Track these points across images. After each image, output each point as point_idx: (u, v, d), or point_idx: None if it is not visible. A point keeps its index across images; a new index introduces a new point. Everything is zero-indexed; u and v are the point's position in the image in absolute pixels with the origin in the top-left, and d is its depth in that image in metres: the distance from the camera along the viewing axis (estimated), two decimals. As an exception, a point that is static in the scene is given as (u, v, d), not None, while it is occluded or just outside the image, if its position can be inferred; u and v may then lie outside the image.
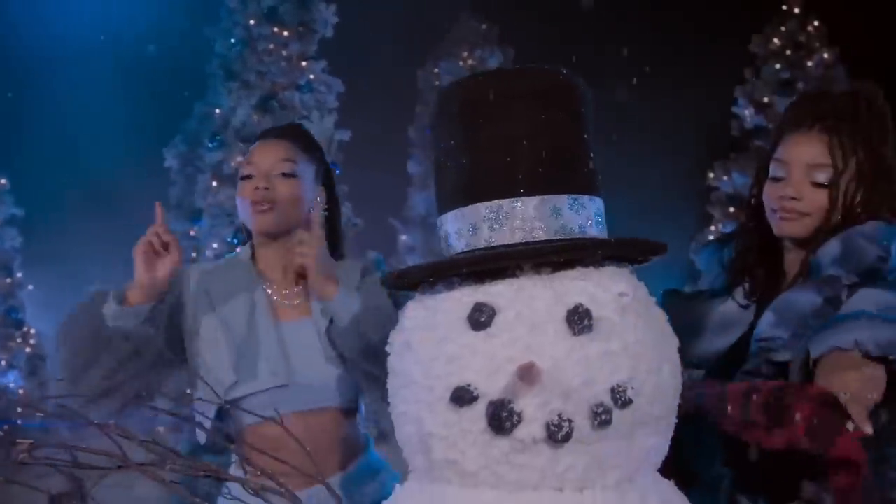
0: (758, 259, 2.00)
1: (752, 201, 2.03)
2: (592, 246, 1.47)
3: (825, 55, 10.79)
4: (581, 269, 1.44)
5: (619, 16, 10.37)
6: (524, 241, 1.44)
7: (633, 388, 1.39)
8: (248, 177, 2.13)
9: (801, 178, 1.89)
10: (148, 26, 9.23)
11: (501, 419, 1.36)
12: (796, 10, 10.92)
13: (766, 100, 10.68)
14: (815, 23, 10.86)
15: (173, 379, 2.12)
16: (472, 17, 11.04)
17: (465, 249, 1.48)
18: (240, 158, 7.17)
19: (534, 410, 1.36)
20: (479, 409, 1.38)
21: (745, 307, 1.97)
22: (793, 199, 1.89)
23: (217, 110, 7.34)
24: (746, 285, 1.99)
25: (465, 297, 1.43)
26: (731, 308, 1.98)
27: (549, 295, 1.41)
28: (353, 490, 2.10)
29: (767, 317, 1.85)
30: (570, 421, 1.36)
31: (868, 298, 1.71)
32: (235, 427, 2.16)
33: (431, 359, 1.43)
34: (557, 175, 1.47)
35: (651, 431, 1.44)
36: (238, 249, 2.32)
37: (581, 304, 1.40)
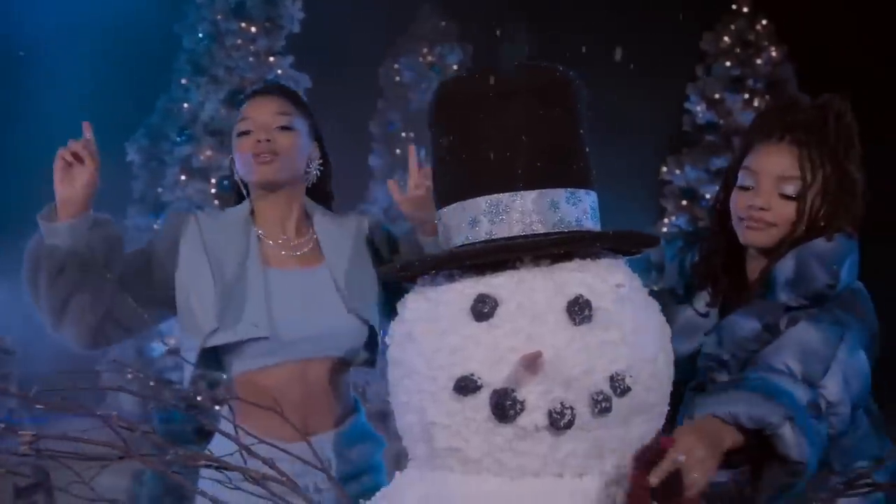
0: (722, 264, 2.03)
1: (718, 206, 2.06)
2: (591, 238, 1.51)
3: (773, 53, 10.98)
4: (579, 261, 1.48)
5: (574, 14, 10.47)
6: (523, 233, 1.47)
7: (631, 376, 1.43)
8: (246, 132, 2.13)
9: (770, 189, 1.92)
10: (109, 22, 9.04)
11: (505, 407, 1.39)
12: (745, 9, 11.10)
13: (716, 96, 10.84)
14: (764, 21, 11.05)
15: (128, 306, 2.05)
16: (432, 14, 11.07)
17: (465, 242, 1.51)
18: (209, 152, 7.07)
19: (536, 399, 1.40)
20: (483, 397, 1.41)
21: (706, 315, 2.01)
22: (761, 209, 1.93)
23: (185, 105, 7.25)
24: (709, 289, 2.03)
25: (466, 289, 1.46)
26: (693, 313, 2.03)
27: (549, 286, 1.44)
28: (344, 450, 2.11)
29: (713, 336, 1.93)
30: (571, 408, 1.40)
31: (794, 340, 1.79)
32: (226, 376, 2.15)
33: (434, 350, 1.46)
34: (555, 169, 1.50)
35: (646, 418, 1.49)
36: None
37: (581, 295, 1.43)
